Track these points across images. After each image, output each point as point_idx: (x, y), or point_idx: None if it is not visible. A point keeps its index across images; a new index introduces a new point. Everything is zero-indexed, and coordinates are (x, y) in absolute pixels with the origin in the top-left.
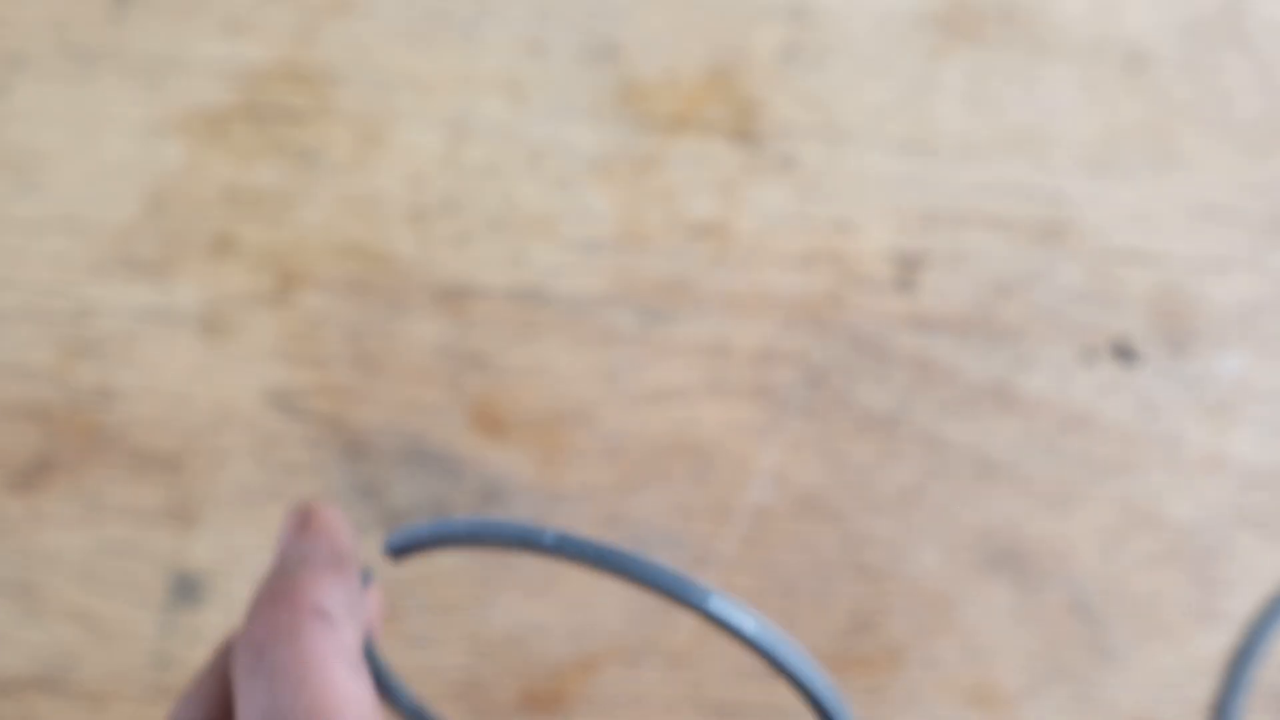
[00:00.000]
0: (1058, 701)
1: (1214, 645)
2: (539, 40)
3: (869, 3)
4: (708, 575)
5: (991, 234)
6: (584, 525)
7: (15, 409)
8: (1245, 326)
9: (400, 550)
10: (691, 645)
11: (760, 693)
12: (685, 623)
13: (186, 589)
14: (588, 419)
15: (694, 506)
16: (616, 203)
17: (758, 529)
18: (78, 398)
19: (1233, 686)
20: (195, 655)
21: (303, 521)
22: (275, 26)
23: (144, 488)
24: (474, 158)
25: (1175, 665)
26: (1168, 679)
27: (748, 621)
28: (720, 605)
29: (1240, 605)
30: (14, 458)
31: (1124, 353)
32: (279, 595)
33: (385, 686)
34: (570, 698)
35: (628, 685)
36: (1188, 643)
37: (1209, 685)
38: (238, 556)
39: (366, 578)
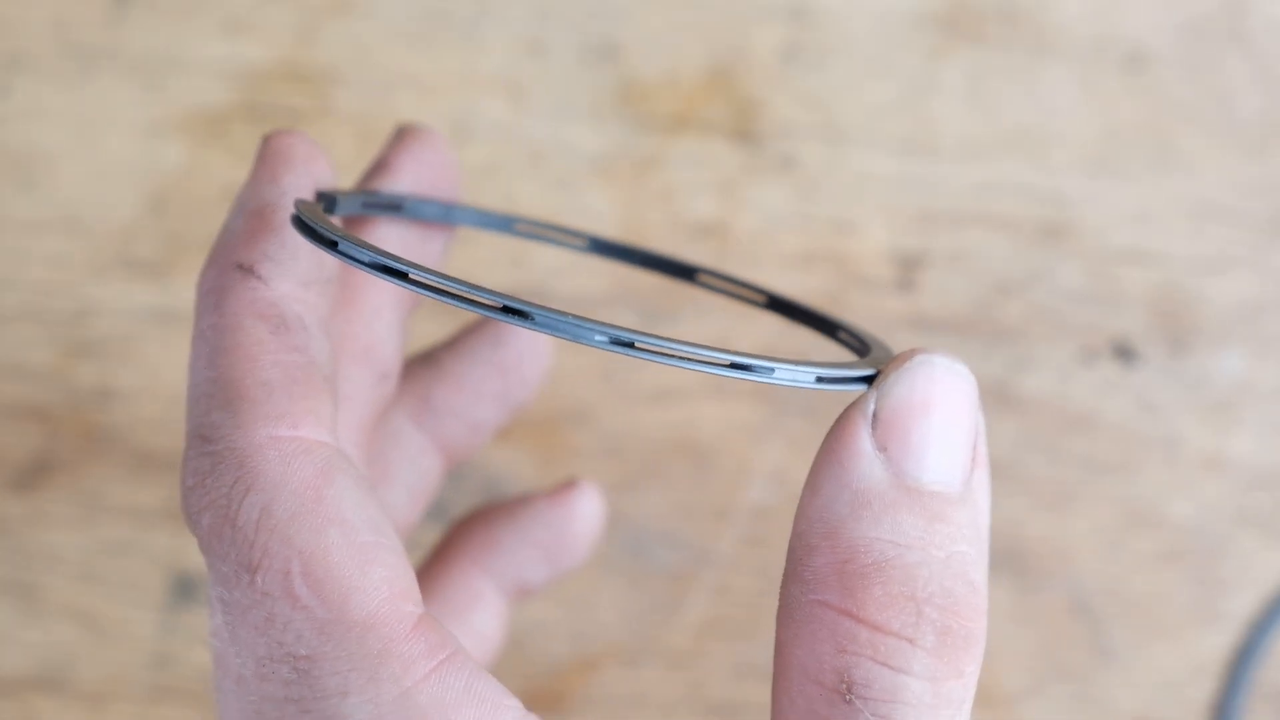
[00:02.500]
0: (1058, 701)
1: (1214, 645)
2: (539, 40)
3: (869, 3)
4: (708, 575)
5: (991, 234)
6: None
7: (15, 409)
8: (1245, 326)
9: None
10: (691, 645)
11: (760, 693)
12: (685, 623)
13: (186, 589)
14: (588, 419)
15: (694, 506)
16: (616, 203)
17: (758, 529)
18: (78, 398)
19: (1233, 686)
20: (195, 655)
21: (258, 156)
22: (275, 26)
23: (144, 488)
24: (474, 158)
25: (1175, 665)
26: (1168, 679)
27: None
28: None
29: (1240, 605)
30: (14, 458)
31: (1124, 353)
32: (212, 252)
33: (325, 238)
34: (570, 698)
35: (628, 685)
36: (1188, 643)
37: (1209, 685)
38: None
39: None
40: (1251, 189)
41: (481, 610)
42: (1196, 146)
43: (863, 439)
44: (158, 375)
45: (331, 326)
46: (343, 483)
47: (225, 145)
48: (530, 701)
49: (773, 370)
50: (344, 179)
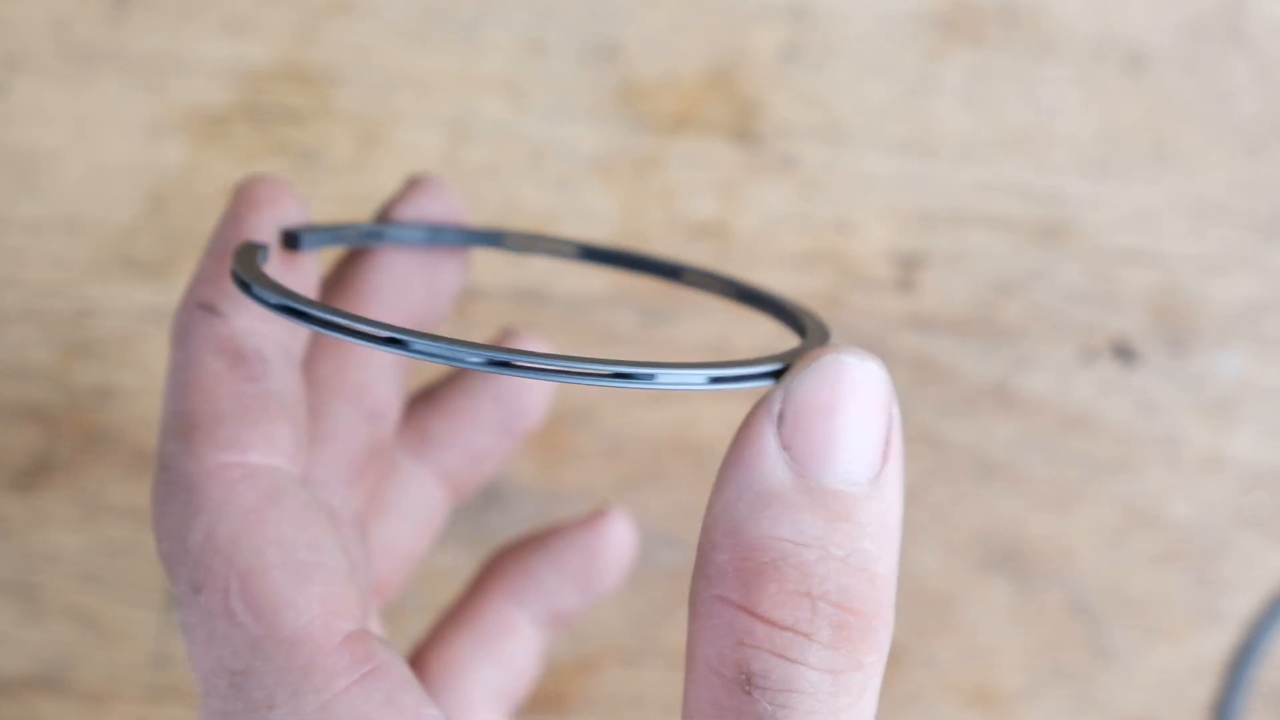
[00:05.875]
0: (1058, 701)
1: (1214, 645)
2: (539, 40)
3: (869, 3)
4: None
5: (991, 234)
6: None
7: (15, 409)
8: (1245, 326)
9: (296, 242)
10: None
11: None
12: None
13: None
14: (588, 419)
15: (694, 506)
16: (616, 203)
17: None
18: (78, 398)
19: (1233, 686)
20: None
21: (230, 198)
22: (275, 26)
23: (144, 488)
24: (474, 158)
25: (1175, 665)
26: (1168, 679)
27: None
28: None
29: (1240, 605)
30: (14, 458)
31: (1124, 353)
32: (184, 294)
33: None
34: (570, 698)
35: (628, 685)
36: (1188, 643)
37: (1209, 685)
38: None
39: (262, 255)
40: (1251, 189)
41: (515, 641)
42: (1196, 146)
43: (767, 438)
44: (158, 375)
45: (323, 364)
46: (287, 504)
47: (225, 145)
48: (530, 701)
49: (653, 376)
50: (344, 179)
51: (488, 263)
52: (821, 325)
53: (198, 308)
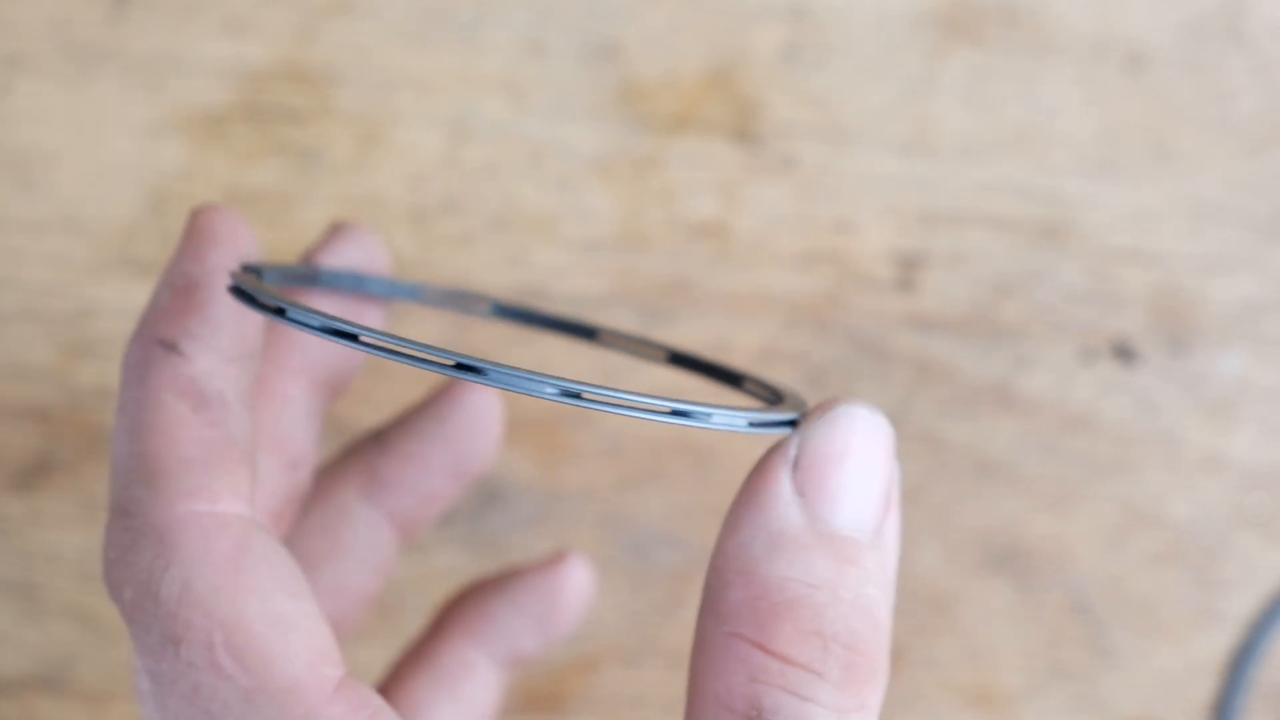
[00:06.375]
0: (1058, 701)
1: (1214, 645)
2: (539, 40)
3: (869, 3)
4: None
5: (991, 234)
6: (584, 525)
7: (15, 409)
8: (1245, 326)
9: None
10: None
11: None
12: (685, 623)
13: None
14: (588, 419)
15: (694, 506)
16: (616, 203)
17: None
18: (78, 398)
19: (1233, 686)
20: None
21: (185, 233)
22: (275, 26)
23: None
24: (474, 158)
25: (1175, 665)
26: (1168, 679)
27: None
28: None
29: (1240, 605)
30: (14, 458)
31: (1124, 353)
32: (138, 327)
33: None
34: (570, 698)
35: (628, 685)
36: (1188, 643)
37: (1209, 685)
38: None
39: (266, 279)
40: (1251, 189)
41: (473, 682)
42: (1196, 146)
43: (783, 483)
44: None
45: None
46: (259, 553)
47: (225, 145)
48: (530, 701)
49: (710, 416)
50: (344, 179)
51: (488, 262)
52: (761, 381)
53: (158, 345)
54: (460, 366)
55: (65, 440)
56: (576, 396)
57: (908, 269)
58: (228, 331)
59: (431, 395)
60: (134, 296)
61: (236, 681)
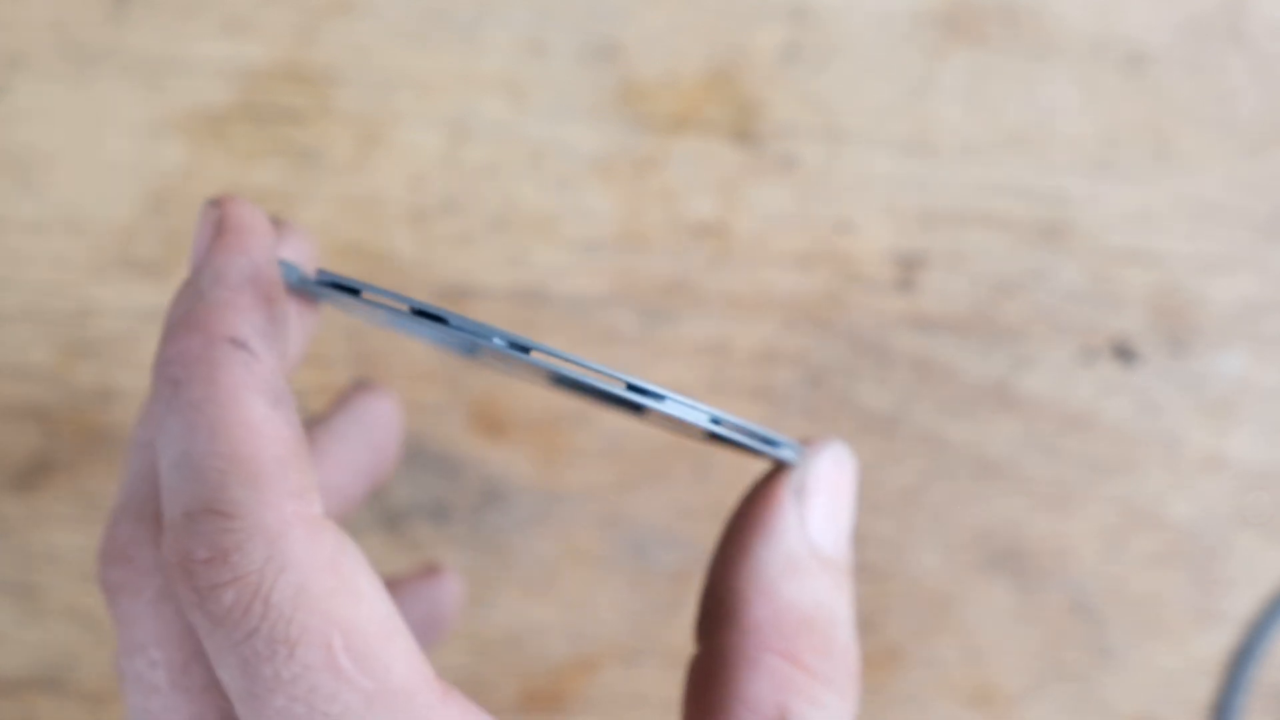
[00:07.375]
0: (1058, 701)
1: (1214, 645)
2: (539, 40)
3: (869, 3)
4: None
5: (991, 234)
6: (584, 525)
7: (15, 409)
8: (1245, 326)
9: (302, 286)
10: (691, 645)
11: None
12: (685, 623)
13: None
14: (588, 419)
15: (694, 506)
16: (616, 203)
17: None
18: (78, 398)
19: (1233, 686)
20: None
21: (217, 225)
22: (275, 26)
23: None
24: (474, 158)
25: (1175, 665)
26: (1168, 679)
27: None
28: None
29: (1240, 605)
30: (14, 458)
31: (1124, 353)
32: (193, 321)
33: (323, 288)
34: (570, 698)
35: (628, 685)
36: (1188, 643)
37: (1209, 685)
38: None
39: (291, 273)
40: (1251, 189)
41: None
42: (1196, 146)
43: (792, 511)
44: None
45: None
46: (354, 555)
47: (225, 145)
48: (530, 701)
49: (664, 399)
50: (344, 179)
51: (488, 262)
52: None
53: (229, 343)
54: (418, 313)
55: (65, 440)
56: (525, 350)
57: (908, 269)
58: (292, 329)
59: (340, 399)
60: (134, 296)
61: (357, 684)
